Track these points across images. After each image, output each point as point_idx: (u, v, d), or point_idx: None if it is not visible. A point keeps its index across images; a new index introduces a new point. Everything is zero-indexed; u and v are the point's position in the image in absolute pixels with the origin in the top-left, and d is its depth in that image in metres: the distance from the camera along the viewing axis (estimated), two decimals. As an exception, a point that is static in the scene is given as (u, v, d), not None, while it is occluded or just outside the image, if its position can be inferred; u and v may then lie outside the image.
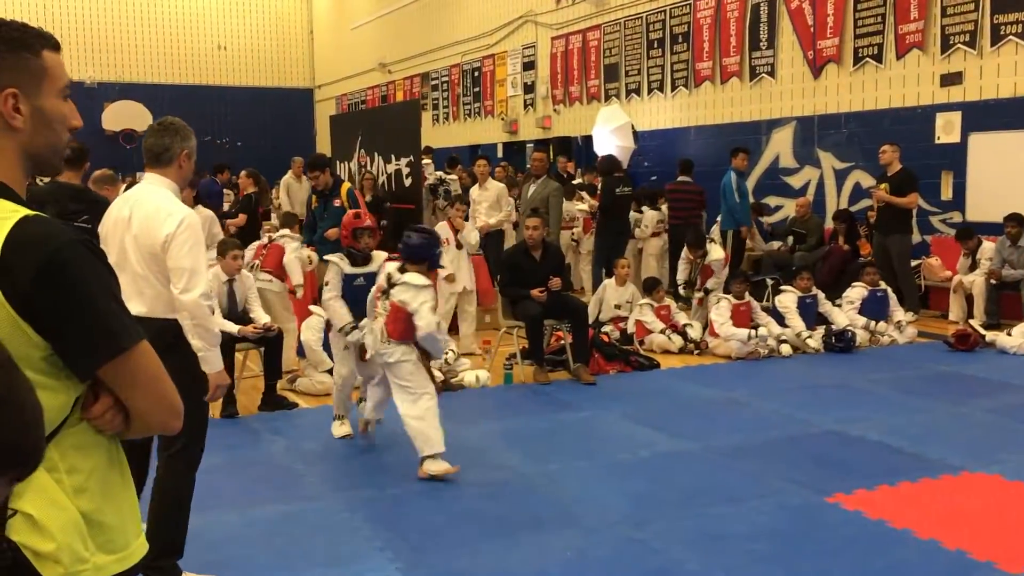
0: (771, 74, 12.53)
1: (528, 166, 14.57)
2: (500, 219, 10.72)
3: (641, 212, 11.69)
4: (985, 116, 9.87)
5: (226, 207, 13.30)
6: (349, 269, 5.69)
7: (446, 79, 21.20)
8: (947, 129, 10.28)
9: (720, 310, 8.51)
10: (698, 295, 9.36)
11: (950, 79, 10.18)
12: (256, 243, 8.41)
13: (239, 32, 27.07)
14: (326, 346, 7.28)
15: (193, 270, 3.53)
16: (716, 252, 9.54)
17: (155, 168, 3.67)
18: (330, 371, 7.21)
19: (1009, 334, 8.28)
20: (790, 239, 11.59)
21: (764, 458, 5.37)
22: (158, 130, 3.67)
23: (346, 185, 8.89)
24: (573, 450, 5.61)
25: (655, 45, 14.59)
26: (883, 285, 9.03)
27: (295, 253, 7.98)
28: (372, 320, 5.31)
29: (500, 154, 18.60)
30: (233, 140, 25.98)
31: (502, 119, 18.81)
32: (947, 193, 10.34)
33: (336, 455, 5.63)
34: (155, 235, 3.52)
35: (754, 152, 12.54)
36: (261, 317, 6.87)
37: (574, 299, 7.99)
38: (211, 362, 3.67)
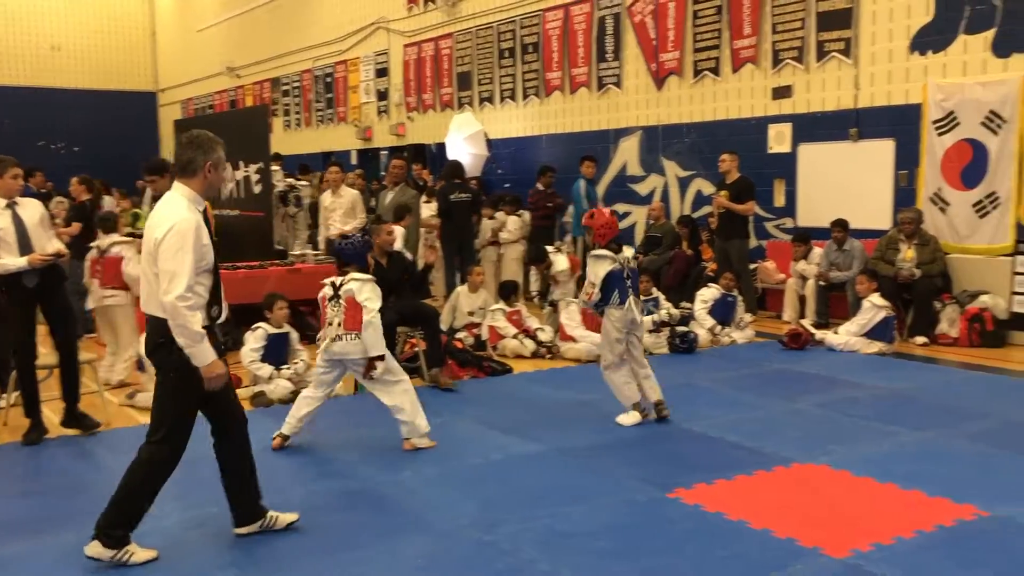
0: (618, 85, 12.92)
1: (383, 173, 14.51)
2: (356, 227, 10.62)
3: (493, 218, 11.80)
4: (812, 127, 10.51)
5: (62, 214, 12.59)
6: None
7: (297, 84, 20.82)
8: (779, 140, 10.88)
9: (570, 314, 8.72)
10: (546, 311, 9.54)
11: (781, 92, 10.79)
12: (88, 257, 7.88)
13: (74, 32, 25.77)
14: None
15: (175, 273, 3.83)
16: (560, 263, 9.75)
17: (181, 178, 4.03)
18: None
19: (836, 332, 8.84)
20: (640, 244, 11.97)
21: (612, 457, 5.53)
22: (185, 143, 4.05)
23: None
24: (425, 457, 5.61)
25: (506, 54, 14.80)
26: (735, 291, 9.45)
27: (135, 260, 7.62)
28: (328, 328, 5.68)
29: (354, 161, 18.42)
30: (70, 145, 24.69)
31: (356, 126, 18.64)
32: (780, 200, 10.93)
33: (182, 472, 5.42)
34: (151, 239, 3.91)
35: (603, 160, 12.91)
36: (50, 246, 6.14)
37: (427, 306, 8.00)
38: (198, 356, 3.92)
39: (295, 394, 7.05)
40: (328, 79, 19.62)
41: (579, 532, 4.35)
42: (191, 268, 3.87)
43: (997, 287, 8.73)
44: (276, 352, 7.28)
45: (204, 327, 3.97)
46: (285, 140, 20.43)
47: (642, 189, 12.68)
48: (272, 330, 7.29)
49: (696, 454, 5.57)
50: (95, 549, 4.02)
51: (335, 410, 6.88)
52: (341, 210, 10.62)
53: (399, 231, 8.57)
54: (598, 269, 6.04)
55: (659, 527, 4.41)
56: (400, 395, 5.68)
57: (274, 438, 5.76)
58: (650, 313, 8.95)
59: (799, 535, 4.23)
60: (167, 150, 20.51)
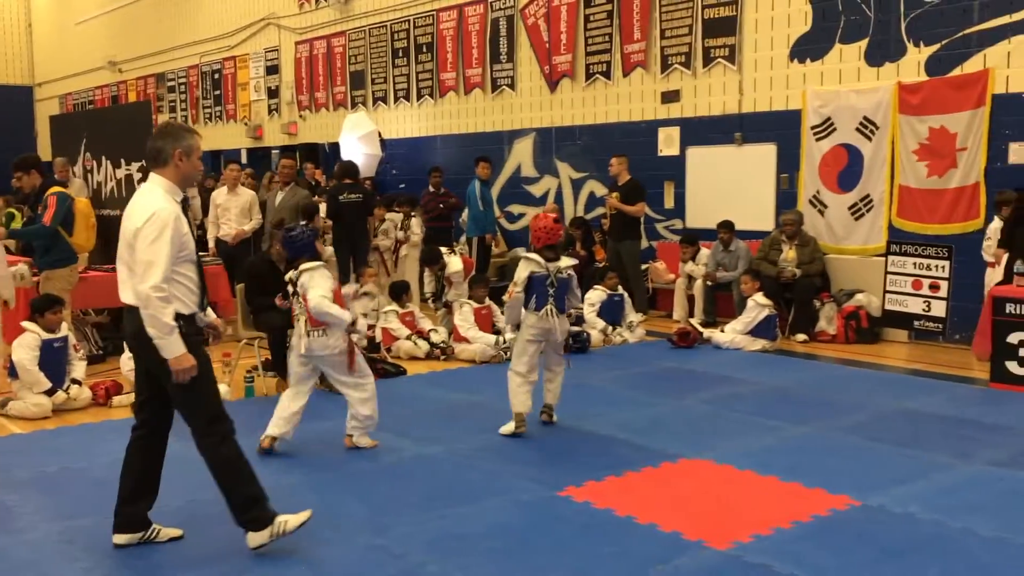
0: (511, 86, 13.00)
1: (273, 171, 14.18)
2: (253, 227, 10.41)
3: (383, 220, 11.67)
4: (700, 131, 10.80)
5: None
6: None
7: (184, 80, 20.22)
8: (668, 143, 11.14)
9: (464, 315, 8.72)
10: (440, 312, 9.51)
11: (669, 96, 11.04)
12: None
13: (-58, 21, 24.40)
14: (43, 366, 6.76)
15: (151, 262, 3.81)
16: (454, 264, 9.74)
17: (154, 168, 4.05)
18: (48, 392, 6.68)
19: (723, 331, 9.10)
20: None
21: (504, 458, 5.55)
22: (155, 135, 4.08)
23: (54, 189, 8.14)
24: (315, 461, 5.52)
25: (400, 54, 14.71)
26: (620, 290, 9.62)
27: (2, 267, 7.27)
28: (296, 324, 5.66)
29: (244, 160, 17.97)
30: (-64, 141, 23.34)
31: (245, 124, 18.22)
32: (669, 202, 11.20)
33: (53, 484, 5.20)
34: (129, 229, 3.90)
35: (497, 161, 12.96)
36: None
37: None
38: (167, 349, 3.87)
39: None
40: (216, 75, 19.12)
41: (470, 533, 4.35)
42: (168, 258, 3.84)
43: (871, 286, 9.14)
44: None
45: (189, 315, 3.98)
46: (172, 138, 19.76)
47: (536, 190, 12.79)
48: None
49: (587, 452, 5.65)
50: (256, 540, 4.07)
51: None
52: (237, 209, 10.40)
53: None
54: (522, 270, 6.08)
55: (549, 525, 4.45)
56: (369, 392, 5.67)
57: (263, 439, 5.59)
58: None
59: (684, 528, 4.33)
60: (44, 146, 19.59)
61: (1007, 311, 7.05)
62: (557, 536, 4.31)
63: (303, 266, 5.64)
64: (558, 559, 4.06)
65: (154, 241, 3.82)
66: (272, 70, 17.52)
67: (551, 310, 6.02)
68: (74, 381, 6.92)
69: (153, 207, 3.87)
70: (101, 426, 6.47)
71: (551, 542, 4.24)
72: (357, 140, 14.04)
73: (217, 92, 19.14)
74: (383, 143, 14.37)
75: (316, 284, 5.51)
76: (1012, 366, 7.02)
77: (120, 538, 4.18)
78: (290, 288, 5.70)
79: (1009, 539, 4.17)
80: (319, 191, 12.22)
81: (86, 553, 4.17)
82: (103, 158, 10.69)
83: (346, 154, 13.70)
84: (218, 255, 10.09)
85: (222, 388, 7.03)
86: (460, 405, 6.91)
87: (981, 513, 4.49)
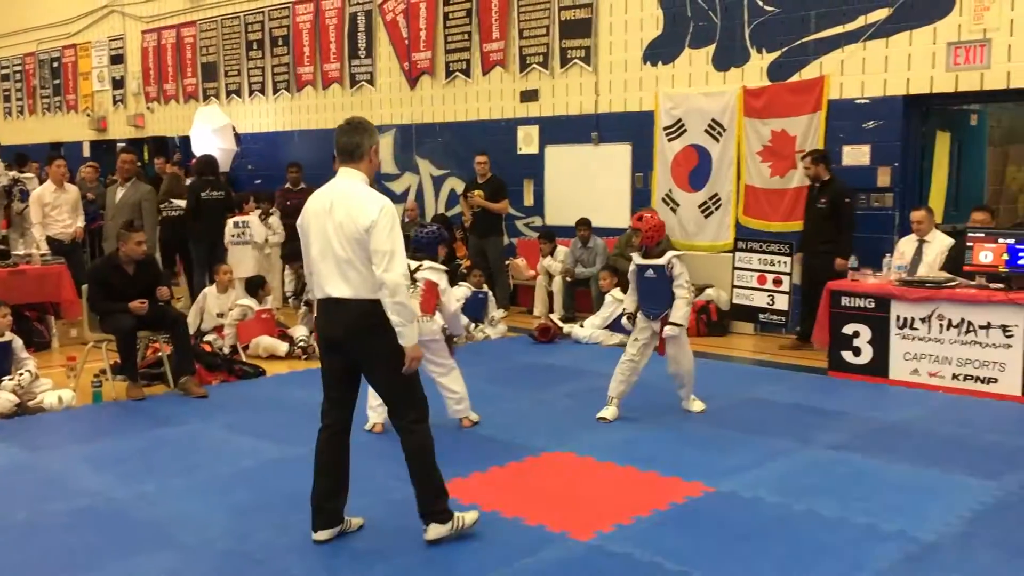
0: (371, 82, 12.88)
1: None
2: (80, 227, 9.97)
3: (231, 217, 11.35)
4: (558, 130, 11.00)
5: None
6: None
7: (19, 69, 19.06)
8: (527, 141, 11.30)
9: (325, 314, 8.57)
10: (301, 310, 9.34)
11: (528, 96, 11.20)
12: None
13: None
14: None
15: (393, 252, 3.94)
16: None
17: (348, 163, 4.15)
18: None
19: (582, 326, 9.31)
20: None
21: (369, 457, 5.48)
22: (348, 129, 4.19)
23: None
24: (171, 468, 5.33)
25: (255, 46, 14.33)
26: (485, 288, 9.68)
27: None
28: None
29: (87, 153, 17.12)
30: None
31: (88, 115, 17.33)
32: (529, 200, 11.36)
33: None
34: (359, 222, 3.95)
35: (357, 158, 12.78)
36: None
37: (172, 309, 7.58)
38: (408, 336, 4.00)
39: (20, 406, 6.50)
40: (55, 64, 18.10)
41: (335, 535, 4.30)
42: (403, 247, 4.01)
43: (720, 281, 9.55)
44: (-3, 362, 6.66)
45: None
46: (6, 129, 18.65)
47: (397, 187, 12.72)
48: (-8, 339, 6.66)
49: (452, 449, 5.65)
50: (436, 531, 4.18)
51: (68, 424, 6.40)
52: (68, 205, 9.94)
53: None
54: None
55: (415, 524, 4.44)
56: (457, 370, 6.08)
57: (374, 426, 5.97)
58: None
59: (548, 521, 4.42)
60: None
61: (842, 303, 7.52)
62: (423, 535, 4.32)
63: (426, 265, 5.90)
64: (424, 556, 4.07)
65: (391, 231, 3.96)
66: (117, 59, 16.73)
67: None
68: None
69: (380, 200, 4.01)
70: None
71: (417, 542, 4.24)
72: (210, 134, 13.59)
73: (57, 81, 18.13)
74: (238, 137, 13.97)
75: (454, 294, 6.05)
76: (847, 355, 7.50)
77: (323, 534, 4.24)
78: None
79: (849, 519, 4.46)
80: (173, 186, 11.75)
81: None
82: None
83: (199, 148, 13.23)
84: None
85: (65, 394, 6.74)
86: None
87: (823, 495, 4.78)
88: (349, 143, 4.16)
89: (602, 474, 5.18)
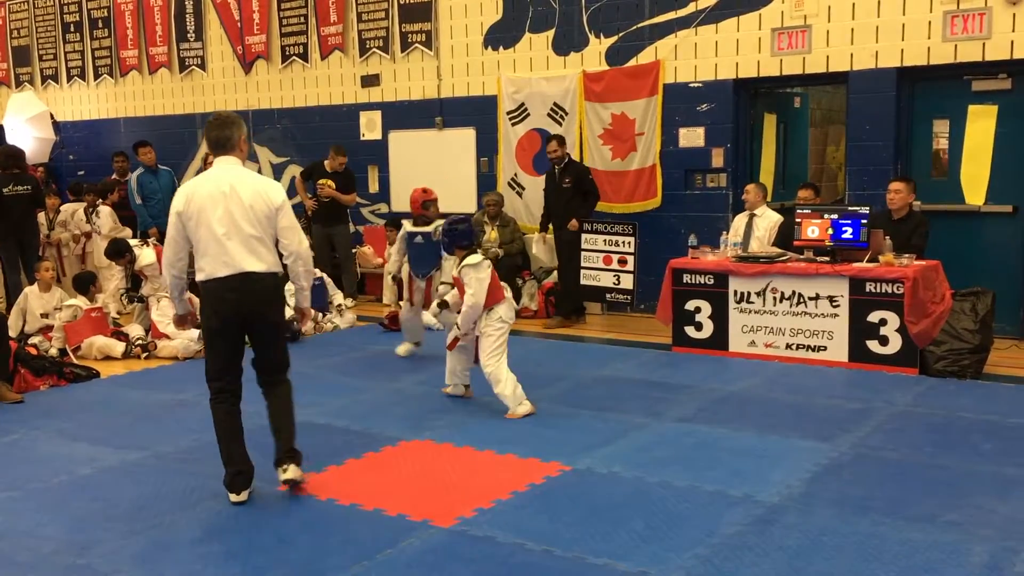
0: (202, 67, 12.34)
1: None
2: None
3: (59, 211, 10.65)
4: (401, 116, 10.88)
5: None
6: None
7: None
8: (370, 127, 11.12)
9: (162, 310, 8.17)
10: (136, 307, 8.85)
11: (369, 80, 11.02)
12: None
13: None
14: None
15: (296, 227, 4.58)
16: (146, 256, 8.91)
17: (223, 153, 4.53)
18: None
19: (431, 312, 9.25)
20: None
21: (215, 458, 5.27)
22: (217, 124, 4.53)
23: None
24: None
25: (72, 29, 13.45)
26: (319, 273, 9.44)
27: None
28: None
29: None
30: None
31: None
32: (374, 186, 11.20)
33: None
34: (273, 201, 4.47)
35: (190, 146, 12.28)
36: None
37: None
38: (309, 298, 4.83)
39: None
40: None
41: (185, 540, 4.11)
42: None
43: (567, 262, 9.69)
44: None
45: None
46: None
47: (234, 176, 12.24)
48: None
49: (306, 443, 5.46)
50: (295, 471, 4.57)
51: None
52: None
53: None
54: None
55: (270, 523, 4.31)
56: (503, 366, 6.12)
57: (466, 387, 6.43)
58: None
59: (409, 510, 4.37)
60: None
61: (684, 281, 7.80)
62: (281, 533, 4.19)
63: (468, 259, 6.05)
64: (283, 555, 3.94)
65: (291, 210, 4.56)
66: (-87, 42, 15.30)
67: None
68: None
69: (274, 183, 4.64)
70: None
71: (274, 540, 4.11)
72: (25, 122, 12.68)
73: None
74: (56, 126, 13.10)
75: (475, 290, 5.97)
76: (690, 331, 7.78)
77: (245, 495, 4.50)
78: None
79: (699, 487, 4.62)
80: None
81: None
82: None
83: (12, 138, 12.31)
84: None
85: None
86: (163, 406, 6.49)
87: (674, 466, 4.94)
88: (221, 136, 4.51)
89: (461, 460, 5.16)
